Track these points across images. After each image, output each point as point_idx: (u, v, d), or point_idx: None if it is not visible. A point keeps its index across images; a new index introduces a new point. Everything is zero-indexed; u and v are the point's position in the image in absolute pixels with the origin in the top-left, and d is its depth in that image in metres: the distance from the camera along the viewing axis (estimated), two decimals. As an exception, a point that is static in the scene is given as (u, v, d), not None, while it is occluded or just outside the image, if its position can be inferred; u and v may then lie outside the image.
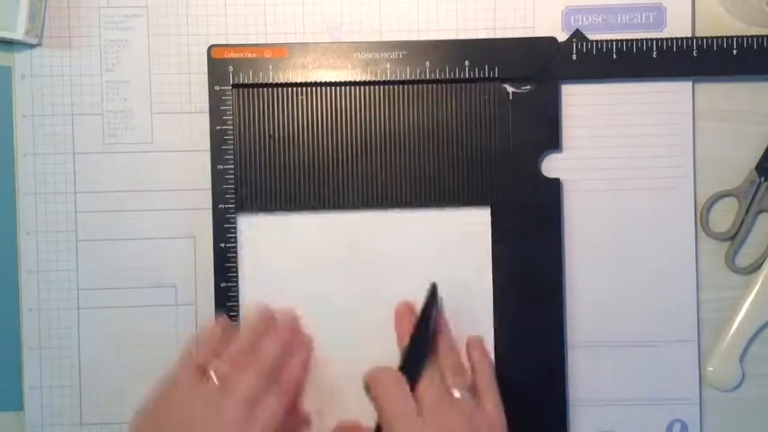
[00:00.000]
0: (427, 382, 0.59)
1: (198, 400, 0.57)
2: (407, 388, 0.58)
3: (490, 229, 0.64)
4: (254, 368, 0.59)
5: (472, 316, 0.64)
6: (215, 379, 0.58)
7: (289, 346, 0.61)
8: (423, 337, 0.60)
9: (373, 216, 0.65)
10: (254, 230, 0.64)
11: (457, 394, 0.59)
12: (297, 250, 0.65)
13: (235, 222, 0.64)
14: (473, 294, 0.64)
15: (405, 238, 0.65)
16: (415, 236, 0.65)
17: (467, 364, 0.62)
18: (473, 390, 0.60)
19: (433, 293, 0.62)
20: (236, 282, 0.64)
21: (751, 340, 0.65)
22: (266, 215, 0.64)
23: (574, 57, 0.64)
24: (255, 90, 0.64)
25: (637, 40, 0.64)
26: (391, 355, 0.61)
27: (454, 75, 0.64)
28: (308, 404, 0.62)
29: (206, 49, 0.64)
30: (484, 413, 0.59)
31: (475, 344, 0.63)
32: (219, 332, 0.61)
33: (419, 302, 0.62)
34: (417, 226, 0.65)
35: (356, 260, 0.65)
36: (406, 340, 0.61)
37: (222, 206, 0.64)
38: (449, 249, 0.64)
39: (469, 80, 0.64)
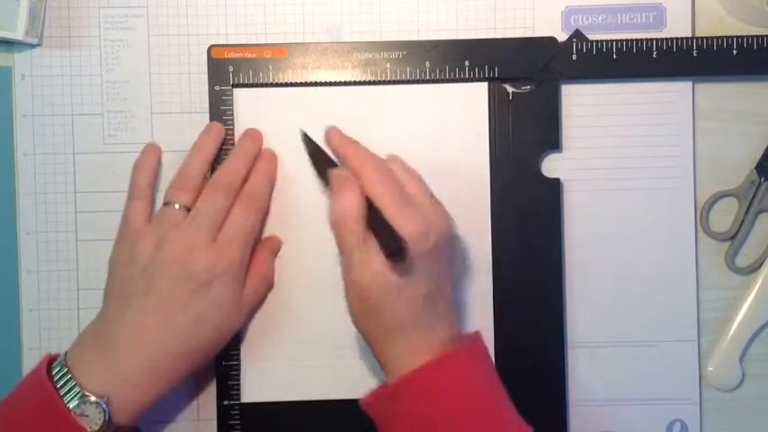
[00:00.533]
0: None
1: (162, 228, 0.59)
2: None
3: (487, 106, 0.64)
4: (215, 186, 0.60)
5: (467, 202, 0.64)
6: (176, 205, 0.59)
7: (248, 158, 0.62)
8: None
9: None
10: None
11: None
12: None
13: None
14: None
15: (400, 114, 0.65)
16: (410, 110, 0.64)
17: None
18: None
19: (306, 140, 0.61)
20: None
21: (751, 340, 0.65)
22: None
23: (574, 57, 0.64)
24: (255, 90, 0.64)
25: (637, 40, 0.64)
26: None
27: (454, 75, 0.64)
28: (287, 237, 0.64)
29: (206, 49, 0.64)
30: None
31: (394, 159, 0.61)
32: (155, 159, 0.63)
33: None
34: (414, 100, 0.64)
35: None
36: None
37: (222, 206, 0.64)
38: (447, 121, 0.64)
39: (469, 80, 0.64)
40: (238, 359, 0.64)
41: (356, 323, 0.58)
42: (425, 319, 0.56)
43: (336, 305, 0.60)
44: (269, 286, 0.63)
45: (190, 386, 0.64)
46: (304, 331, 0.64)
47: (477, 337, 0.59)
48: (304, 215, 0.64)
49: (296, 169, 0.64)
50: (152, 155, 0.63)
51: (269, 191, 0.63)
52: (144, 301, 0.58)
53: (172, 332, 0.58)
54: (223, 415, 0.64)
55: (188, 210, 0.60)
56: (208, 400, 0.65)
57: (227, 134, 0.64)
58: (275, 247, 0.64)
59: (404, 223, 0.55)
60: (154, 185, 0.63)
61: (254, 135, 0.63)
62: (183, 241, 0.58)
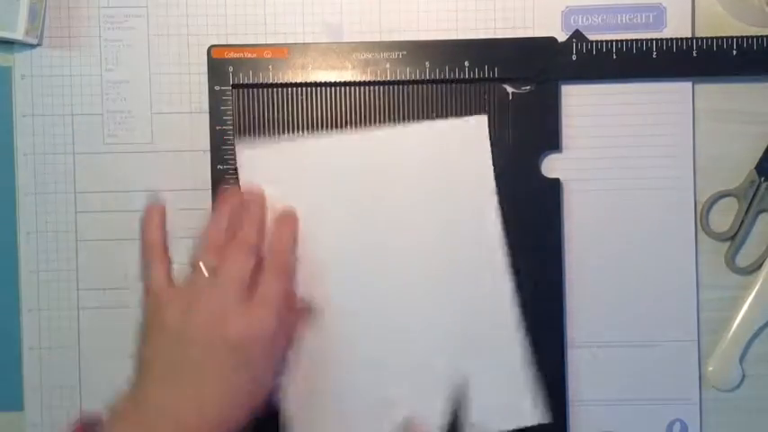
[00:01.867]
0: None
1: (191, 292, 0.57)
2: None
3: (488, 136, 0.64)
4: (240, 248, 0.59)
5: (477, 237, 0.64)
6: (205, 272, 0.58)
7: (269, 220, 0.61)
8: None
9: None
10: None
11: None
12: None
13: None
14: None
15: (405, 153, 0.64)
16: (415, 149, 0.64)
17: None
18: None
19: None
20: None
21: (751, 340, 0.65)
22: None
23: (574, 57, 0.64)
24: (255, 90, 0.64)
25: (637, 40, 0.64)
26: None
27: (454, 75, 0.64)
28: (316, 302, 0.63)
29: (206, 49, 0.64)
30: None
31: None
32: (161, 216, 0.61)
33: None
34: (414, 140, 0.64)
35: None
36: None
37: (222, 206, 0.64)
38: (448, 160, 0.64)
39: (469, 80, 0.64)
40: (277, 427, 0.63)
41: None
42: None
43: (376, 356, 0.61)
44: (303, 347, 0.62)
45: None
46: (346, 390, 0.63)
47: None
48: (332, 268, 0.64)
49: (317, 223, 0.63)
50: (156, 214, 0.61)
51: (294, 248, 0.62)
52: (178, 368, 0.56)
53: (208, 399, 0.56)
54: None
55: (214, 271, 0.58)
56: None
57: (225, 134, 0.64)
58: (306, 312, 0.63)
59: None
60: (166, 243, 0.60)
61: (261, 194, 0.63)
62: (215, 306, 0.57)
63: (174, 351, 0.56)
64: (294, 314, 0.61)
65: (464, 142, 0.64)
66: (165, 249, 0.60)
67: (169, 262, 0.59)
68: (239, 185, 0.63)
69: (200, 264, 0.58)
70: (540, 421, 0.63)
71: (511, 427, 0.63)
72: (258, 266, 0.59)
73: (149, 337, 0.58)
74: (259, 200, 0.62)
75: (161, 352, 0.57)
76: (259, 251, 0.59)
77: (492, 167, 0.64)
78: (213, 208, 0.62)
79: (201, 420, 0.56)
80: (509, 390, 0.63)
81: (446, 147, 0.64)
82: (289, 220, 0.62)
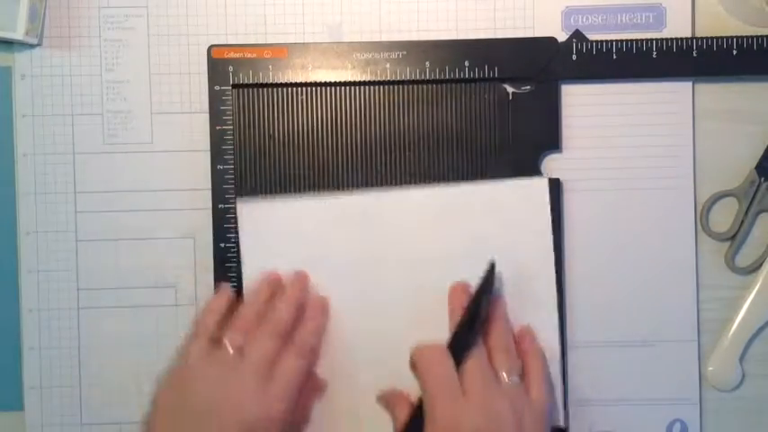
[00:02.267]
0: (475, 362, 0.57)
1: (216, 371, 0.58)
2: (453, 366, 0.57)
3: (548, 201, 0.63)
4: (268, 332, 0.59)
5: (533, 299, 0.63)
6: (230, 348, 0.58)
7: (299, 306, 0.61)
8: (475, 316, 0.59)
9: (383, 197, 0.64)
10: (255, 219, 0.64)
11: (504, 378, 0.58)
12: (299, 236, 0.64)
13: (234, 221, 0.64)
14: (532, 276, 0.63)
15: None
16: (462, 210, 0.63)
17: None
18: (522, 376, 0.59)
19: (490, 272, 0.60)
20: (237, 281, 0.64)
21: (751, 340, 0.65)
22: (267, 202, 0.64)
23: (574, 57, 0.64)
24: (255, 90, 0.64)
25: (637, 40, 0.64)
26: (411, 328, 0.61)
27: (454, 75, 0.64)
28: (322, 371, 0.63)
29: (206, 49, 0.64)
30: (530, 400, 0.58)
31: (524, 333, 0.62)
32: (225, 302, 0.61)
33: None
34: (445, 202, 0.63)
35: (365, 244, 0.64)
36: (458, 318, 0.59)
37: (222, 206, 0.64)
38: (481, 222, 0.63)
39: (469, 80, 0.64)
40: None
41: None
42: None
43: None
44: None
45: None
46: None
47: None
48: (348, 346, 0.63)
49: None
50: (225, 297, 0.62)
51: (319, 339, 0.62)
52: None
53: None
54: None
55: (240, 350, 0.59)
56: None
57: (225, 134, 0.64)
58: (318, 386, 0.63)
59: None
60: (220, 327, 0.60)
61: (302, 280, 0.63)
62: (235, 389, 0.57)
63: (191, 424, 0.57)
64: (308, 390, 0.62)
65: (522, 205, 0.63)
66: (213, 333, 0.60)
67: (211, 344, 0.59)
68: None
69: (227, 342, 0.59)
70: (560, 425, 0.63)
71: None
72: (282, 344, 0.60)
73: (169, 406, 0.58)
74: (301, 284, 0.63)
75: (178, 423, 0.57)
76: (286, 335, 0.60)
77: (551, 233, 0.63)
78: (253, 288, 0.62)
79: None
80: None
81: (502, 208, 0.63)
82: (315, 305, 0.63)
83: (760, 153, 0.65)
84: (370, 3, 0.65)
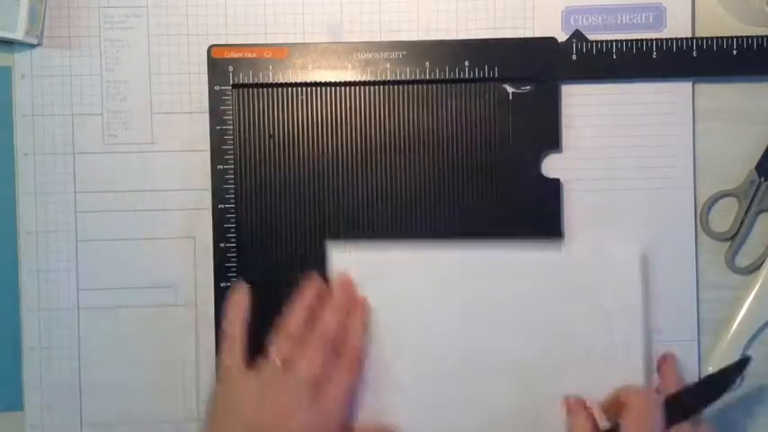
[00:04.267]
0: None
1: (261, 385, 0.58)
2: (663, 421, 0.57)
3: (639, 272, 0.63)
4: (316, 344, 0.59)
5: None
6: (278, 361, 0.58)
7: (345, 312, 0.61)
8: (698, 403, 0.59)
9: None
10: None
11: None
12: None
13: (235, 221, 0.64)
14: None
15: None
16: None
17: None
18: None
19: (739, 368, 0.60)
20: (236, 282, 0.64)
21: (751, 340, 0.65)
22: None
23: (574, 57, 0.64)
24: (255, 90, 0.64)
25: (637, 40, 0.64)
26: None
27: (454, 75, 0.64)
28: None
29: (206, 49, 0.64)
30: None
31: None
32: (245, 306, 0.61)
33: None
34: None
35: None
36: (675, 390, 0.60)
37: (222, 206, 0.64)
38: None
39: (469, 80, 0.64)
40: None
41: None
42: None
43: None
44: None
45: None
46: None
47: None
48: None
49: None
50: (239, 305, 0.62)
51: (365, 344, 0.62)
52: None
53: None
54: None
55: (287, 362, 0.59)
56: None
57: (225, 134, 0.64)
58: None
59: None
60: (244, 332, 0.60)
61: (346, 284, 0.62)
62: (284, 401, 0.57)
63: None
64: (354, 406, 0.61)
65: (614, 273, 0.63)
66: (243, 338, 0.60)
67: (244, 341, 0.60)
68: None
69: (273, 354, 0.59)
70: None
71: None
72: (330, 355, 0.59)
73: (218, 423, 0.58)
74: (348, 291, 0.62)
75: None
76: (335, 343, 0.60)
77: (642, 302, 0.63)
78: (299, 297, 0.62)
79: None
80: None
81: (593, 274, 0.63)
82: (362, 309, 0.62)
83: (760, 153, 0.65)
84: (370, 3, 0.65)
